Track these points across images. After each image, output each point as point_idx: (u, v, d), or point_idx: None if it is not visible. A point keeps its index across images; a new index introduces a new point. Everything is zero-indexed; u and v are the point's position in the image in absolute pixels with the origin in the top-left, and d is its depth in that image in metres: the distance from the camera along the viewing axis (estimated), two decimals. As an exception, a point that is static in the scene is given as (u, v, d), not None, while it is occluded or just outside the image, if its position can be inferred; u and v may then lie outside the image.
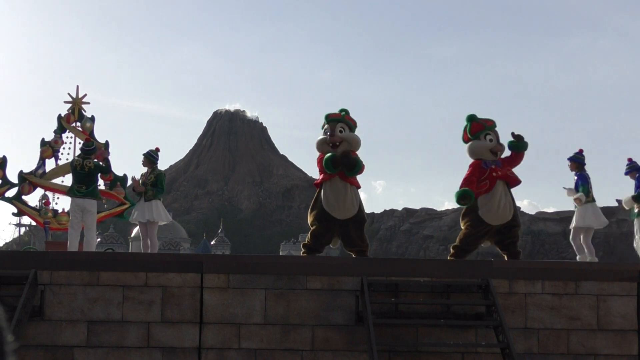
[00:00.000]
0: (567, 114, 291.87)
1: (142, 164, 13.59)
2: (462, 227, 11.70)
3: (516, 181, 11.59)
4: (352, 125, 11.72)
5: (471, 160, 11.68)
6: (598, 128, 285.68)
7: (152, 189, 13.26)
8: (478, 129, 11.67)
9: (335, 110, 11.90)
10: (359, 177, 11.60)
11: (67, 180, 17.25)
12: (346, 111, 11.80)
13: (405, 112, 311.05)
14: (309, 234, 11.60)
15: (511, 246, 11.60)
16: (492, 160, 11.51)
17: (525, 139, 11.77)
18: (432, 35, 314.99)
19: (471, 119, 11.81)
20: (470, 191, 11.22)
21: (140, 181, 13.43)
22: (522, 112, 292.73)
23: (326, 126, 11.59)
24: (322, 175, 11.48)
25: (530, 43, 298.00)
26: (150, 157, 13.54)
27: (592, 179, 13.25)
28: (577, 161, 13.37)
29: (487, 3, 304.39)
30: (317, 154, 11.67)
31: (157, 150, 13.74)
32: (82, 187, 13.02)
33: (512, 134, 11.82)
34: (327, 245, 11.79)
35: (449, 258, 11.75)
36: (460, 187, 11.42)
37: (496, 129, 11.76)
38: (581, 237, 13.32)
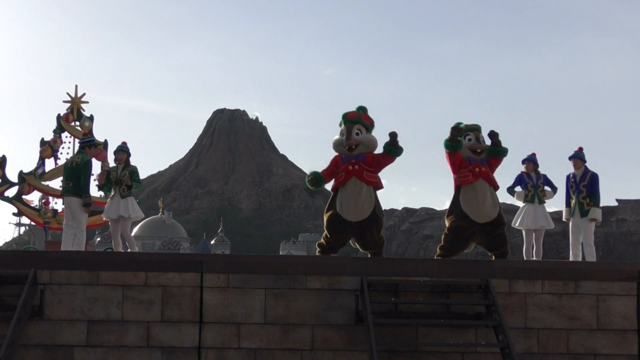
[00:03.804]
0: (569, 113, 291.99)
1: (118, 159, 12.89)
2: (447, 225, 11.73)
3: (495, 186, 11.69)
4: (369, 125, 11.65)
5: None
6: (600, 127, 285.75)
7: (129, 186, 12.66)
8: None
9: (352, 108, 11.71)
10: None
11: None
12: (364, 109, 11.70)
13: (405, 111, 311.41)
14: (323, 236, 11.65)
15: (500, 246, 11.59)
16: (476, 158, 11.68)
17: (503, 142, 11.83)
18: (434, 35, 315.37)
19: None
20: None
21: (109, 176, 12.86)
22: (524, 111, 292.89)
23: (342, 127, 11.55)
24: (338, 178, 11.43)
25: (533, 41, 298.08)
26: (128, 151, 12.98)
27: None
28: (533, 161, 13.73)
29: (491, 1, 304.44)
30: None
31: (125, 143, 13.17)
32: (69, 184, 12.44)
33: (490, 133, 11.86)
34: (341, 247, 11.77)
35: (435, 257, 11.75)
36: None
37: (480, 132, 11.83)
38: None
